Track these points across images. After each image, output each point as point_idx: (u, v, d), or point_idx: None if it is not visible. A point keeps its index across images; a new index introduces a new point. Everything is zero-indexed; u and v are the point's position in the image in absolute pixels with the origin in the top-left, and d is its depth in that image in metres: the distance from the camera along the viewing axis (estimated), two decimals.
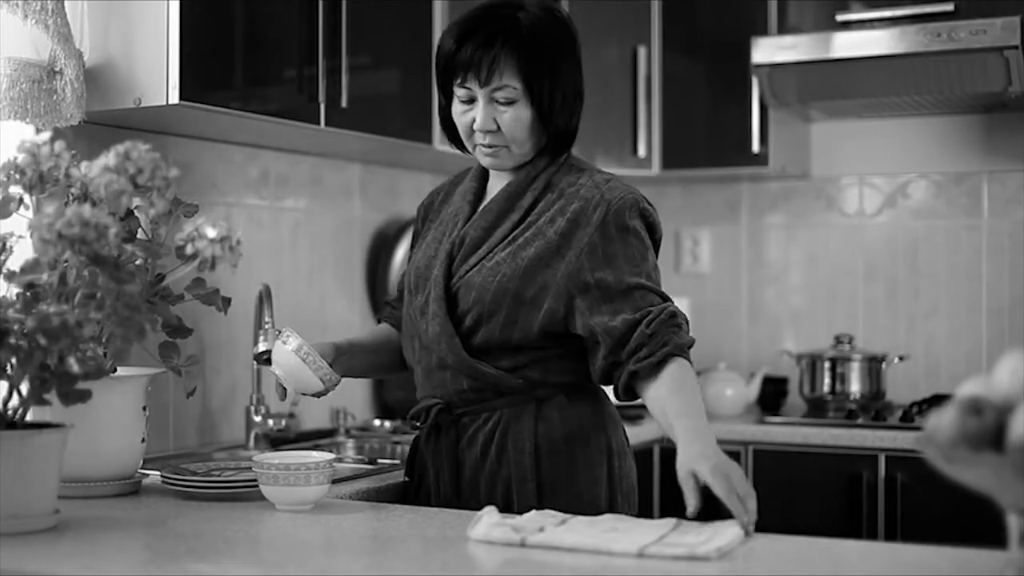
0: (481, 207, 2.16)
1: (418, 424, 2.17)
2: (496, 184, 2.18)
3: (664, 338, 1.97)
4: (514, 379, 2.06)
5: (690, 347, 1.99)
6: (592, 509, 2.02)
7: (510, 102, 2.05)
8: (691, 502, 1.75)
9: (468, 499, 2.09)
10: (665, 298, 2.04)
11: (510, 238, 2.09)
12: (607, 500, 2.10)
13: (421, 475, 2.18)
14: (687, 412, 1.90)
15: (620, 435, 2.16)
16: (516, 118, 2.06)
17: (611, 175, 2.14)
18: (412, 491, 2.20)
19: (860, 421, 3.29)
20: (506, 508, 2.03)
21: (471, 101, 2.08)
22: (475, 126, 2.07)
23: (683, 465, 1.80)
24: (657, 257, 2.10)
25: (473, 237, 2.11)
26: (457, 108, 2.10)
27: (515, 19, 2.06)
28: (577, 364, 2.08)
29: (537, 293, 2.03)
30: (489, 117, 2.06)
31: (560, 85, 2.08)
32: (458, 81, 2.07)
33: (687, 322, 2.03)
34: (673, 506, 3.32)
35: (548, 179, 2.12)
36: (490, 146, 2.08)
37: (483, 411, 2.09)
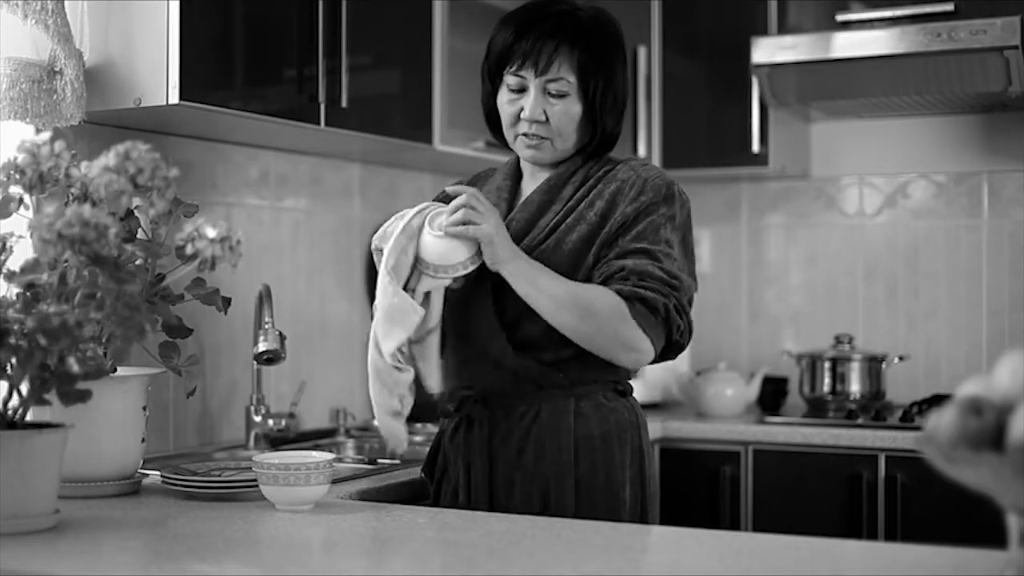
0: (520, 201, 2.17)
1: (450, 413, 2.13)
2: (531, 183, 2.19)
3: (605, 284, 2.00)
4: (556, 373, 2.06)
5: (639, 299, 1.98)
6: (623, 509, 2.02)
7: (562, 95, 2.07)
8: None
9: (501, 496, 2.07)
10: (654, 257, 2.02)
11: (551, 226, 2.09)
12: (638, 501, 2.10)
13: (444, 472, 2.16)
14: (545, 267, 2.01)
15: (648, 437, 2.16)
16: (566, 111, 2.08)
17: (647, 160, 2.18)
18: (433, 489, 2.19)
19: (860, 421, 3.29)
20: (543, 505, 2.03)
21: (522, 90, 2.09)
22: (524, 115, 2.08)
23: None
24: (690, 236, 2.12)
25: (516, 229, 2.11)
26: (505, 96, 2.11)
27: (575, 15, 2.09)
28: (611, 363, 2.07)
29: (582, 275, 2.05)
30: (539, 107, 2.07)
31: (612, 85, 2.10)
32: (512, 69, 2.08)
33: (655, 279, 2.01)
34: (673, 506, 3.32)
35: (587, 172, 2.14)
36: (535, 136, 2.09)
37: (519, 405, 2.08)
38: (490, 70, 2.14)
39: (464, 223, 1.98)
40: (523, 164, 2.21)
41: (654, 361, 2.07)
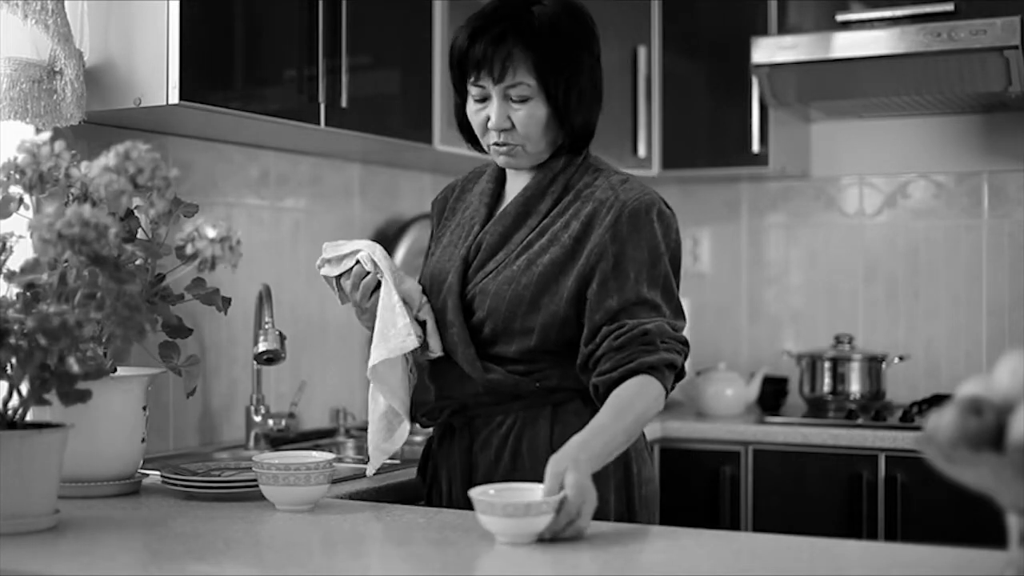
0: (499, 211, 2.12)
1: (428, 423, 2.15)
2: (514, 186, 2.14)
3: (630, 355, 1.94)
4: (531, 383, 2.04)
5: (667, 366, 1.95)
6: (606, 515, 2.01)
7: (524, 99, 2.00)
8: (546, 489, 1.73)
9: None
10: (661, 312, 1.98)
11: (525, 243, 2.05)
12: (624, 506, 2.08)
13: (433, 476, 2.17)
14: (599, 424, 1.88)
15: (639, 441, 2.11)
16: (530, 116, 2.01)
17: (628, 175, 2.09)
18: (424, 495, 2.19)
19: (860, 421, 3.29)
20: None
21: (485, 99, 2.03)
22: (489, 124, 2.03)
23: (559, 460, 1.76)
24: (679, 260, 2.06)
25: (489, 243, 2.08)
26: (471, 106, 2.06)
27: (529, 14, 2.00)
28: None
29: (552, 299, 2.00)
30: (503, 115, 2.01)
31: (576, 82, 2.02)
32: (472, 79, 2.02)
33: (672, 339, 1.97)
34: (673, 506, 3.32)
35: (566, 181, 2.08)
36: (505, 144, 2.04)
37: (498, 414, 2.07)
38: (455, 80, 2.08)
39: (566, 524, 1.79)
40: (507, 170, 2.16)
41: None
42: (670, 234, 2.04)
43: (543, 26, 2.00)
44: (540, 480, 1.99)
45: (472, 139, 2.13)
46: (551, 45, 2.00)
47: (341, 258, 2.07)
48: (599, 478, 2.01)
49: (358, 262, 2.05)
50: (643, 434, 2.14)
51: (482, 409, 2.07)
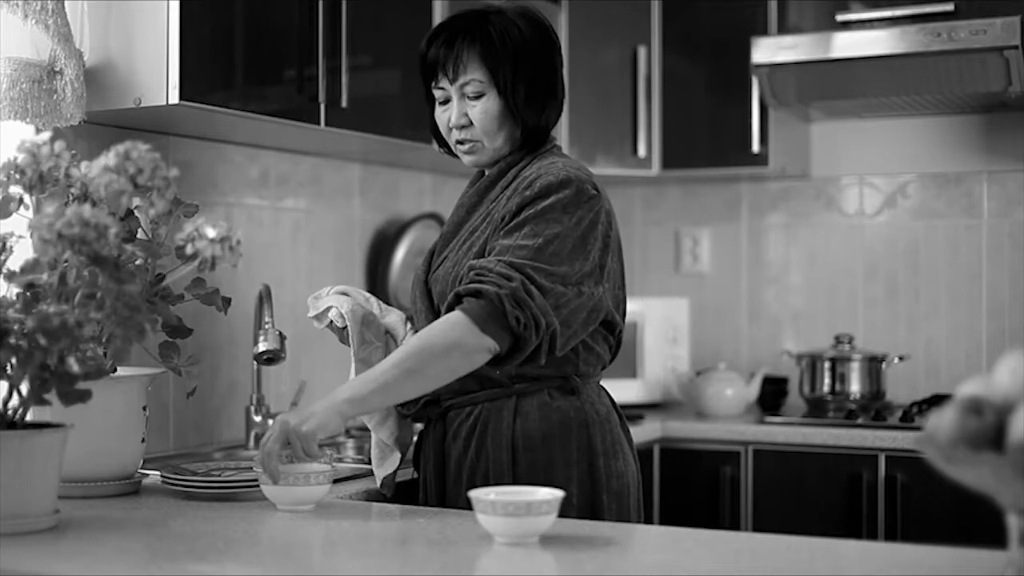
0: (456, 205, 2.23)
1: (407, 413, 2.18)
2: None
3: (454, 293, 1.99)
4: (493, 371, 2.04)
5: (471, 294, 1.95)
6: (569, 507, 2.00)
7: (478, 95, 2.11)
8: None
9: (453, 494, 2.10)
10: (516, 256, 1.98)
11: (471, 228, 2.14)
12: (588, 499, 2.08)
13: (422, 468, 2.21)
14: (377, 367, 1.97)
15: (608, 434, 2.12)
16: (484, 110, 2.11)
17: (567, 159, 2.14)
18: (418, 486, 2.22)
19: (860, 421, 3.29)
20: None
21: (447, 101, 2.15)
22: (450, 123, 2.14)
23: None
24: (599, 237, 2.05)
25: (445, 234, 2.19)
26: (437, 110, 2.17)
27: (482, 17, 2.13)
28: (559, 360, 2.06)
29: None
30: (461, 112, 2.12)
31: (524, 76, 2.11)
32: (433, 83, 2.15)
33: (495, 272, 1.96)
34: (674, 506, 3.33)
35: (517, 173, 2.15)
36: (465, 142, 2.14)
37: (466, 404, 2.11)
38: (425, 90, 2.19)
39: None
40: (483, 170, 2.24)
41: (513, 362, 1.99)
42: (590, 204, 2.04)
43: (493, 27, 2.12)
44: (502, 470, 2.04)
45: (444, 144, 2.22)
46: (501, 41, 2.10)
47: (322, 312, 2.19)
48: (560, 472, 2.03)
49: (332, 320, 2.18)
50: (618, 429, 2.15)
51: (453, 399, 2.11)
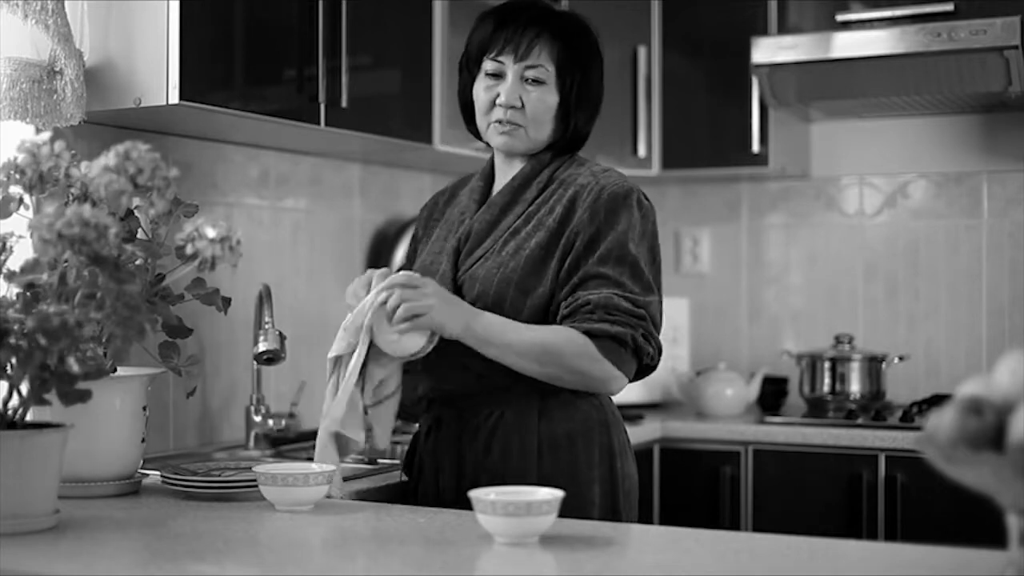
0: (487, 201, 2.19)
1: (417, 416, 2.17)
2: (502, 181, 2.20)
3: (571, 324, 2.00)
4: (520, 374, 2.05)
5: (609, 337, 1.98)
6: (592, 508, 2.02)
7: (539, 82, 2.11)
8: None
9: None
10: (623, 288, 2.01)
11: (512, 229, 2.11)
12: (609, 499, 2.09)
13: (420, 472, 2.18)
14: (510, 322, 2.00)
15: (622, 435, 2.16)
16: (541, 99, 2.11)
17: (610, 167, 2.18)
18: (411, 490, 2.20)
19: (860, 421, 3.29)
20: None
21: (499, 76, 2.12)
22: (499, 100, 2.11)
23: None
24: (656, 249, 2.11)
25: (478, 231, 2.14)
26: (483, 83, 2.14)
27: (556, 12, 2.15)
28: None
29: (539, 281, 2.06)
30: (515, 93, 2.11)
31: (587, 82, 2.14)
32: (492, 54, 2.12)
33: (622, 311, 2.00)
34: (673, 506, 3.32)
35: (551, 173, 2.15)
36: (508, 123, 2.11)
37: (486, 406, 2.09)
38: (468, 60, 2.18)
39: (409, 316, 1.95)
40: (496, 165, 2.23)
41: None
42: (647, 223, 2.11)
43: (570, 24, 2.14)
44: (527, 471, 2.02)
45: (470, 119, 2.20)
46: (574, 42, 2.13)
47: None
48: (584, 473, 2.03)
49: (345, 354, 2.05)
50: (625, 430, 2.17)
51: (472, 400, 2.09)
